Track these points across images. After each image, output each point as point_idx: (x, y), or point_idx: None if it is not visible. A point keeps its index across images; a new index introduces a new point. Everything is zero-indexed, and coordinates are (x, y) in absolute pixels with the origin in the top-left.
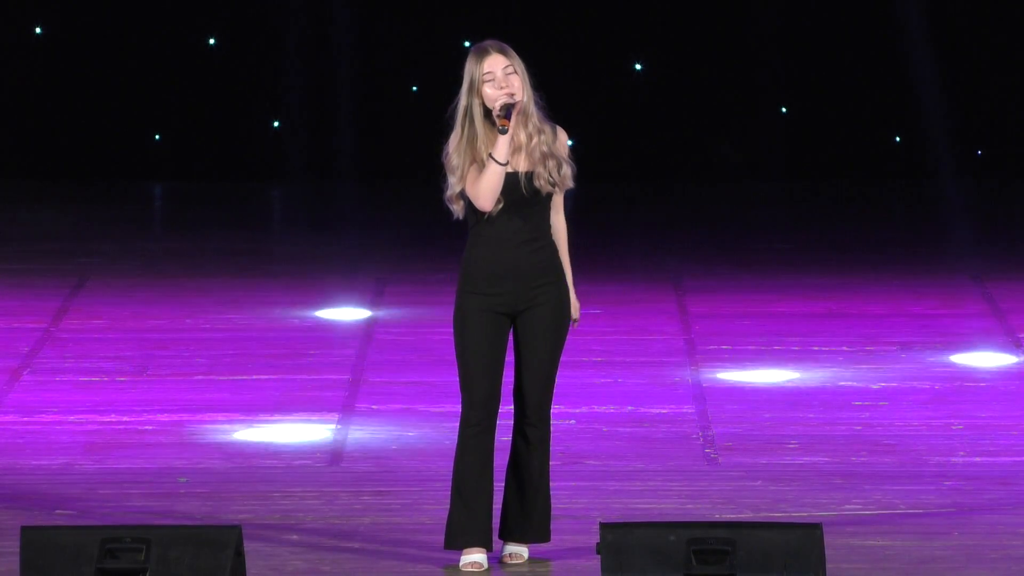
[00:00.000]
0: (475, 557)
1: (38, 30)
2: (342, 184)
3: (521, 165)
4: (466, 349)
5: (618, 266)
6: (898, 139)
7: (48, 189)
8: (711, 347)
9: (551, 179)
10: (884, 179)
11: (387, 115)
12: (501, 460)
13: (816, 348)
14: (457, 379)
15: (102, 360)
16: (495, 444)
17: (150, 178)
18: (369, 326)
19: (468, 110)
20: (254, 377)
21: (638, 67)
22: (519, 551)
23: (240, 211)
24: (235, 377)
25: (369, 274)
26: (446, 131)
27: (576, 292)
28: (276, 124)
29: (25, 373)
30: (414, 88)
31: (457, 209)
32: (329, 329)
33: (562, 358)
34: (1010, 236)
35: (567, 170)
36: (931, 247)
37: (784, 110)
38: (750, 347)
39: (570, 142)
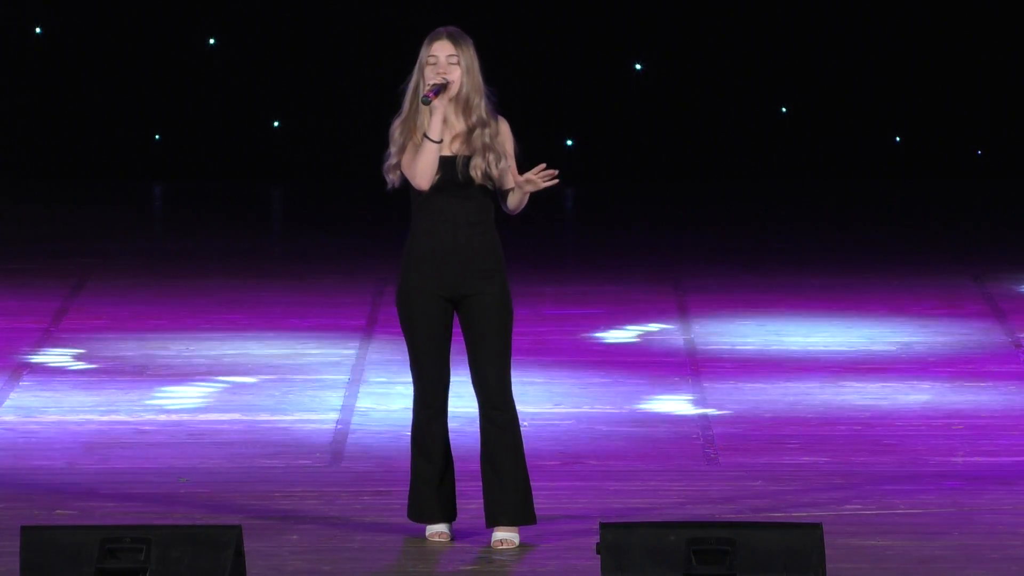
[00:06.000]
0: (440, 527)
1: (38, 30)
2: (342, 184)
3: (460, 150)
4: (414, 333)
5: (618, 266)
6: (898, 139)
7: (48, 189)
8: (711, 346)
9: (487, 172)
10: (884, 179)
11: (386, 115)
12: (474, 446)
13: (816, 348)
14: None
15: (102, 360)
16: (448, 429)
17: (150, 178)
18: (369, 326)
19: (415, 89)
20: (254, 377)
21: (638, 67)
22: (510, 537)
23: (240, 211)
24: (235, 377)
25: (369, 274)
26: (398, 106)
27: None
28: (276, 124)
29: (25, 373)
30: None
31: (392, 179)
32: (329, 329)
33: (562, 358)
34: (1010, 236)
35: (504, 165)
36: (931, 247)
37: (784, 110)
38: (750, 347)
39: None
